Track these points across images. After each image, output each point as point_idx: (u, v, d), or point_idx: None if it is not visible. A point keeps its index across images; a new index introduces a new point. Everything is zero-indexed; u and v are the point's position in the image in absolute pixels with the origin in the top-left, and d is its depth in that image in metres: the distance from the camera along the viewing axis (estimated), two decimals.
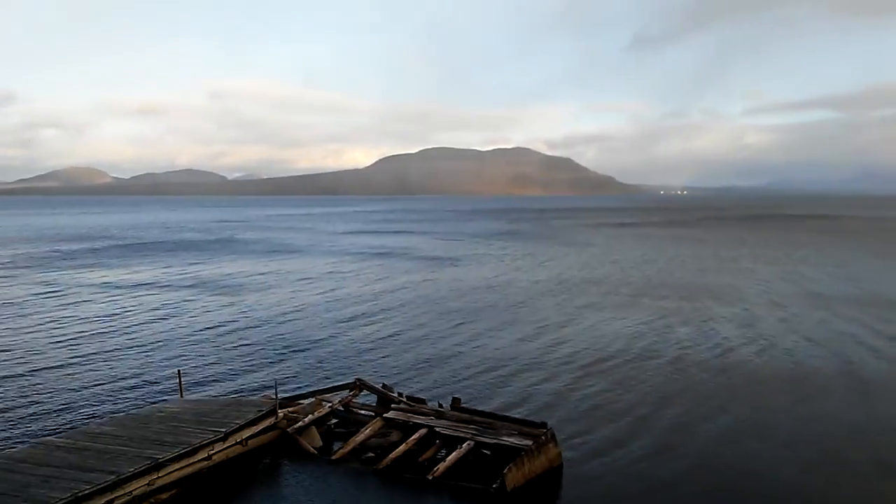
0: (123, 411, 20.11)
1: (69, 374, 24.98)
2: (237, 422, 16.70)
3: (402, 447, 16.84)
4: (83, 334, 31.93)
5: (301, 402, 19.87)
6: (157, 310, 38.82)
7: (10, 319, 35.52)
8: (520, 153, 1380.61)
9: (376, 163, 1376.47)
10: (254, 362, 27.06)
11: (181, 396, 19.77)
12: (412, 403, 19.27)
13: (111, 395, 22.52)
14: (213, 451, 15.65)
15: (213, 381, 24.41)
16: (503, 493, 14.88)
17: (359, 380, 20.46)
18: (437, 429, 17.36)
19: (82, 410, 20.93)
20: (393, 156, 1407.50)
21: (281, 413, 18.02)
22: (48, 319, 35.46)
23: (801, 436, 19.06)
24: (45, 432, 18.60)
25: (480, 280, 52.40)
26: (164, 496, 14.35)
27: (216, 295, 44.47)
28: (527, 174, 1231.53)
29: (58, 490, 12.58)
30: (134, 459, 14.20)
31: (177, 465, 14.68)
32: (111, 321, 35.30)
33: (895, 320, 35.38)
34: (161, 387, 23.36)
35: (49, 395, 22.49)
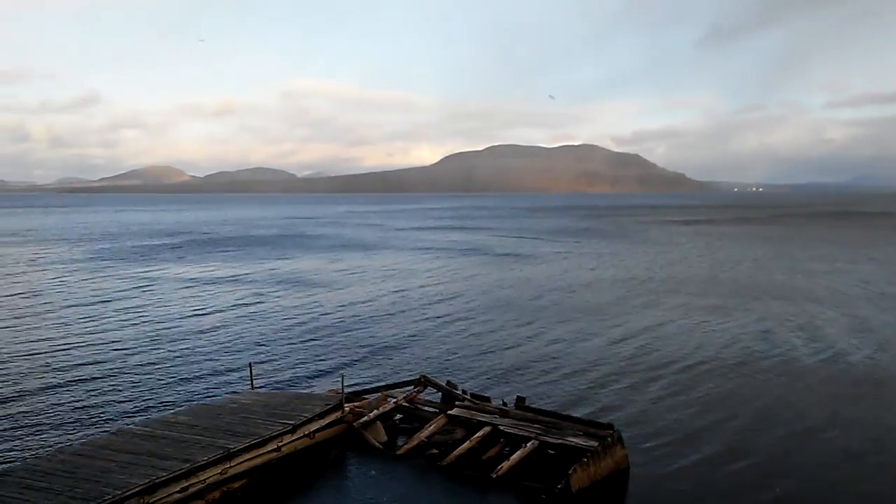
0: (197, 401, 20.84)
1: (149, 364, 26.04)
2: (305, 415, 17.04)
3: (465, 444, 16.84)
4: (162, 326, 33.24)
5: (366, 397, 20.14)
6: (231, 304, 40.07)
7: (96, 311, 37.32)
8: (587, 150, 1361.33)
9: (442, 160, 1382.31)
10: (321, 356, 27.59)
11: (252, 388, 20.33)
12: (476, 401, 19.25)
13: (186, 386, 23.37)
14: (281, 443, 16.02)
15: (282, 374, 25.01)
16: (568, 493, 14.68)
17: (423, 376, 20.58)
18: (502, 427, 17.28)
19: (159, 399, 21.81)
20: (459, 153, 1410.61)
21: (347, 407, 18.30)
22: (133, 312, 37.06)
23: (888, 448, 18.10)
24: (124, 420, 19.45)
25: (550, 278, 51.93)
26: (235, 485, 14.78)
27: (287, 290, 45.56)
28: (594, 171, 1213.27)
29: (136, 476, 13.12)
30: (207, 448, 14.67)
31: (247, 456, 15.09)
32: (188, 314, 36.63)
33: None
34: (233, 378, 24.09)
35: (129, 384, 23.51)
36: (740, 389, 23.06)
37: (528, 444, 16.35)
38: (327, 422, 17.53)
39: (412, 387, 20.35)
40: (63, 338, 30.46)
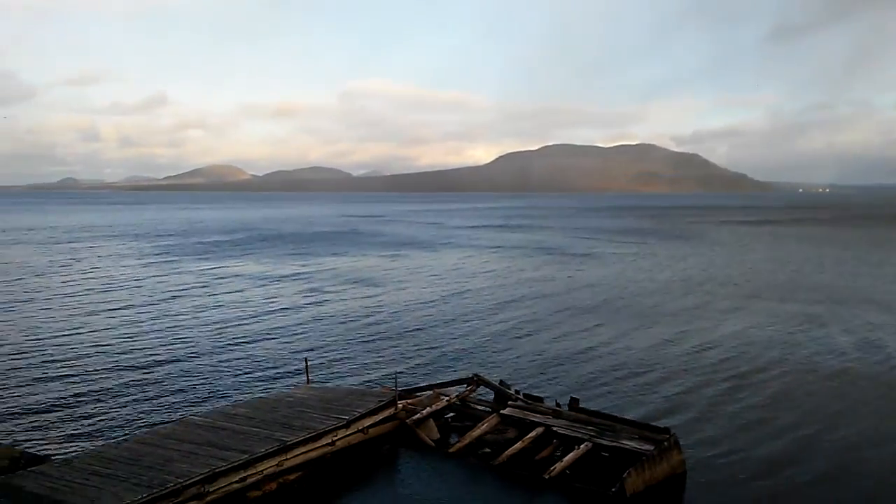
0: (256, 394, 21.35)
1: (210, 357, 26.83)
2: (359, 410, 17.24)
3: (518, 444, 16.76)
4: (224, 321, 34.18)
5: (419, 394, 20.26)
6: (289, 300, 40.89)
7: (164, 306, 38.65)
8: (644, 149, 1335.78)
9: (496, 160, 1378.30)
10: (375, 353, 27.89)
11: (308, 383, 20.69)
12: (529, 401, 19.13)
13: (245, 379, 23.98)
14: (336, 437, 16.26)
15: (337, 369, 25.40)
16: (622, 497, 14.45)
17: (476, 375, 20.56)
18: (555, 428, 17.13)
19: (219, 392, 22.45)
20: (513, 153, 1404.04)
21: (400, 404, 18.43)
22: (197, 307, 38.22)
23: None
24: (187, 411, 20.08)
25: (608, 279, 51.23)
26: (291, 477, 15.09)
27: (344, 287, 46.23)
28: (652, 171, 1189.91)
29: (197, 465, 13.52)
30: (265, 440, 15.02)
31: (303, 449, 15.38)
32: (249, 309, 37.58)
33: None
34: (289, 372, 24.59)
35: (192, 376, 24.28)
36: (807, 397, 22.26)
37: (581, 446, 16.16)
38: (380, 418, 17.70)
39: (465, 385, 20.36)
40: (132, 331, 31.66)
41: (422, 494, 15.08)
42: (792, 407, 21.21)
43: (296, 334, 31.35)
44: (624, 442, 16.11)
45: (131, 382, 23.32)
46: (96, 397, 21.66)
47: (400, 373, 22.60)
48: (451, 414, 19.57)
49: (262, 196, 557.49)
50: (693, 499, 15.08)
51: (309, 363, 21.47)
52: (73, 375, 24.05)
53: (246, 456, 14.15)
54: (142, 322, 33.69)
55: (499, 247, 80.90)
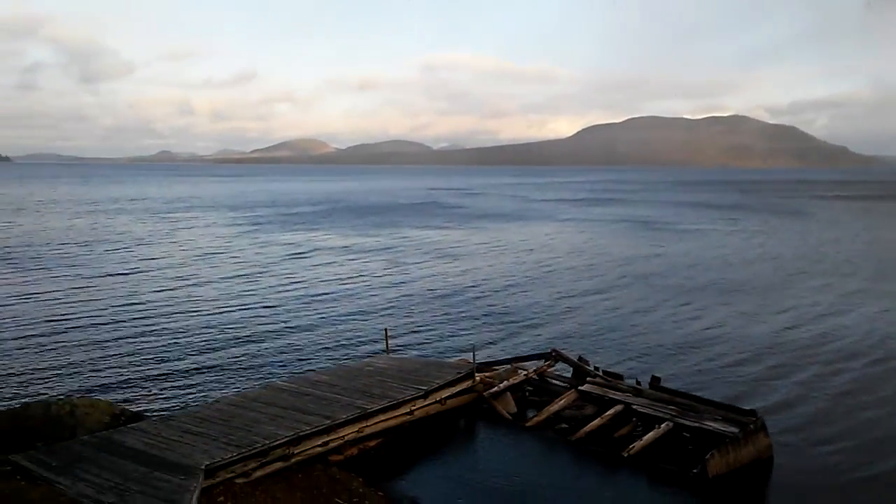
0: (338, 362, 21.98)
1: (296, 325, 27.77)
2: (437, 381, 17.44)
3: (596, 421, 16.59)
4: (309, 290, 35.28)
5: (496, 368, 20.29)
6: (372, 271, 41.73)
7: (253, 275, 40.21)
8: (736, 121, 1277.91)
9: (580, 132, 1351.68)
10: (454, 324, 28.13)
11: (387, 353, 21.10)
12: (609, 378, 18.85)
13: (328, 346, 24.73)
14: (414, 407, 16.54)
15: (417, 340, 25.80)
16: (704, 479, 14.08)
17: (555, 350, 20.41)
18: (635, 406, 16.84)
19: (304, 359, 23.24)
20: (597, 125, 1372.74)
21: (478, 377, 18.54)
22: (284, 277, 39.54)
23: None
24: (273, 376, 20.91)
25: (695, 255, 49.66)
26: (371, 444, 15.50)
27: (426, 259, 46.74)
28: (744, 144, 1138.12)
29: (283, 428, 14.06)
30: (346, 407, 15.44)
31: (383, 417, 15.74)
32: (333, 279, 38.61)
33: None
34: (370, 341, 25.15)
35: (279, 343, 25.20)
36: None
37: (661, 426, 15.82)
38: (458, 389, 17.86)
39: (543, 360, 20.25)
40: (223, 299, 33.09)
41: (498, 466, 15.17)
42: (890, 395, 20.03)
43: (377, 304, 31.99)
44: (707, 423, 15.66)
45: (222, 347, 24.45)
46: (190, 360, 22.82)
47: (478, 346, 22.70)
48: (529, 388, 19.53)
49: (345, 169, 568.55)
50: (779, 485, 14.52)
51: (389, 333, 21.91)
52: (168, 339, 25.39)
53: (328, 421, 14.60)
54: (233, 291, 35.14)
55: (583, 220, 79.73)
